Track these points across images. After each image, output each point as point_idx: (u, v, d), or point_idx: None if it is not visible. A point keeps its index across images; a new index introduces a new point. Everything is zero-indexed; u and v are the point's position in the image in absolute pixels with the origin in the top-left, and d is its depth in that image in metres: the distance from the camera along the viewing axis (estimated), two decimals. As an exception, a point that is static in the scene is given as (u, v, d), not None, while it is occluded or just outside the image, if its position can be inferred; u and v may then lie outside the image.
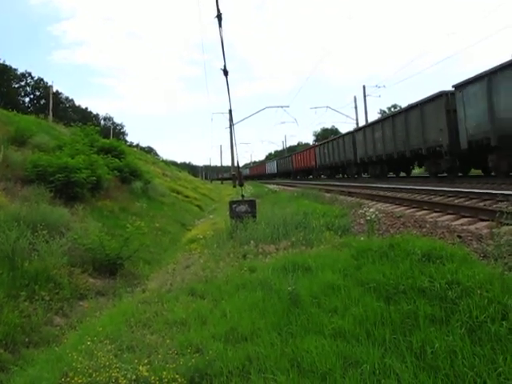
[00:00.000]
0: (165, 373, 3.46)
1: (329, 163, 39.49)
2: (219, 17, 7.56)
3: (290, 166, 59.49)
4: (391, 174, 27.72)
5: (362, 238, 7.00)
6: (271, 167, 77.98)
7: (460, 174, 19.39)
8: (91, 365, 3.77)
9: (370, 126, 28.63)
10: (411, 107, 22.04)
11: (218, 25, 7.57)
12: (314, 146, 48.38)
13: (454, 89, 17.63)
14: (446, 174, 19.62)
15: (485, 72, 15.24)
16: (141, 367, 3.58)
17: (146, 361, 3.80)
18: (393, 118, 24.47)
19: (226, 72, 7.97)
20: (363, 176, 31.43)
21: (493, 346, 3.04)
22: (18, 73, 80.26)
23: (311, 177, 48.79)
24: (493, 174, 16.22)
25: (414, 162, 24.98)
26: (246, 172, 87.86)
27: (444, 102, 18.46)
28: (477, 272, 4.03)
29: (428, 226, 7.70)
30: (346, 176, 36.53)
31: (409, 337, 3.41)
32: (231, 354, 3.69)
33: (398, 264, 4.74)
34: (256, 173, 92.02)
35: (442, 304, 3.71)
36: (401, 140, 22.71)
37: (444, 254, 4.69)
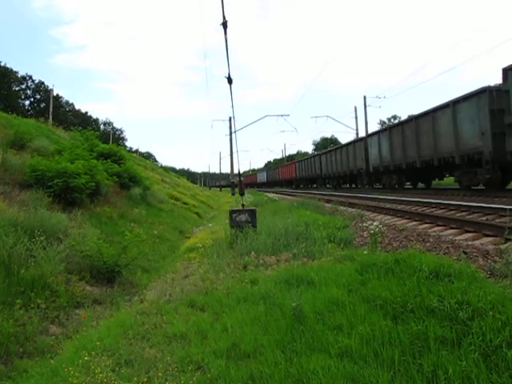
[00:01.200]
0: (165, 392, 3.34)
1: (304, 176, 51.03)
2: (224, 24, 7.48)
3: (277, 176, 70.76)
4: (346, 186, 39.81)
5: (365, 252, 6.88)
6: (262, 177, 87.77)
7: (380, 187, 29.95)
8: (88, 381, 3.65)
9: (330, 152, 40.56)
10: (350, 143, 34.96)
11: (223, 32, 7.49)
12: (294, 162, 60.45)
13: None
14: (367, 186, 31.21)
15: (377, 131, 29.36)
16: (140, 385, 3.46)
17: (145, 378, 3.68)
18: (341, 148, 36.81)
19: (230, 80, 7.88)
20: (327, 186, 42.76)
21: (511, 375, 2.91)
22: (19, 75, 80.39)
23: (294, 186, 58.21)
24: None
25: (353, 178, 36.21)
26: (235, 181, 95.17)
27: (364, 143, 30.37)
28: (488, 292, 3.91)
29: (432, 240, 7.59)
30: (316, 186, 47.19)
31: (419, 359, 3.28)
32: (234, 373, 3.57)
33: (404, 281, 4.61)
34: (249, 181, 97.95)
35: (452, 325, 3.58)
36: (345, 163, 34.96)
37: (452, 271, 4.56)
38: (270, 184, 77.19)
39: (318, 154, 46.00)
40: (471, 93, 16.83)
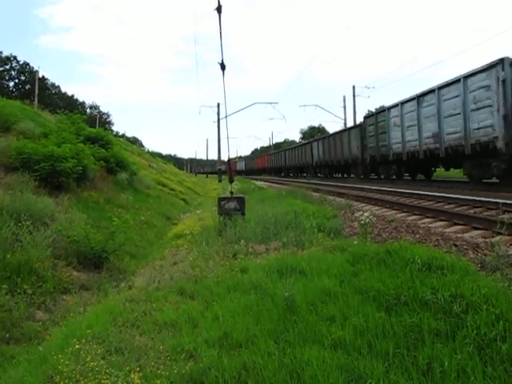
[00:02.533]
0: (158, 381, 3.29)
1: (274, 166, 62.55)
2: (219, 9, 7.35)
3: (253, 165, 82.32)
4: (303, 175, 47.80)
5: (355, 242, 6.90)
6: (241, 165, 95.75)
7: (321, 176, 38.30)
8: (78, 369, 3.58)
9: (291, 149, 52.23)
10: (302, 145, 47.37)
11: (217, 17, 7.37)
12: (267, 155, 73.00)
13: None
14: (314, 175, 39.95)
15: (317, 138, 41.82)
16: (132, 374, 3.40)
17: (136, 366, 3.63)
18: (297, 148, 48.06)
19: (223, 66, 7.76)
20: (290, 175, 53.17)
21: (506, 368, 2.92)
22: (3, 56, 78.67)
23: (267, 173, 68.05)
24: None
25: (305, 169, 45.41)
26: (222, 168, 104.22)
27: (310, 146, 40.91)
28: (481, 285, 3.92)
29: (421, 231, 7.63)
30: (282, 174, 56.98)
31: (413, 351, 3.29)
32: (226, 362, 3.53)
33: (397, 272, 4.62)
34: (227, 169, 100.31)
35: (446, 318, 3.59)
36: (300, 159, 45.29)
37: (445, 264, 4.58)
38: (247, 172, 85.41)
39: (283, 150, 59.34)
40: (356, 125, 30.43)
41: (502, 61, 13.36)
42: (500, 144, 13.49)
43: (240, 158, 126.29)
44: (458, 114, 15.75)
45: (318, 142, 38.56)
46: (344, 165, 31.34)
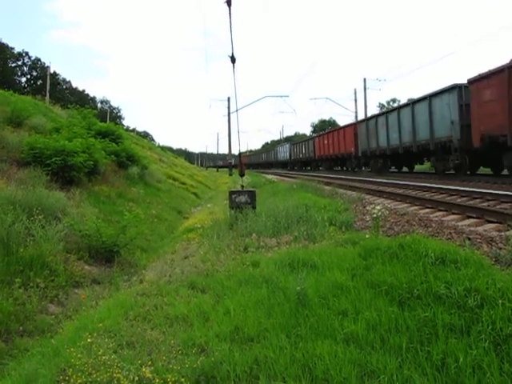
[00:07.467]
0: (169, 376, 3.27)
1: (252, 163, 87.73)
2: (229, 2, 7.29)
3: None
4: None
5: (367, 236, 6.84)
6: (232, 161, 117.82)
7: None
8: (90, 362, 3.58)
9: (254, 154, 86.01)
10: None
11: (227, 10, 7.32)
12: (249, 155, 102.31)
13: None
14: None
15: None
16: (144, 368, 3.40)
17: (147, 359, 3.63)
18: (257, 154, 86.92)
19: (233, 59, 7.71)
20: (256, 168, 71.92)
21: (524, 365, 2.87)
22: (15, 52, 79.21)
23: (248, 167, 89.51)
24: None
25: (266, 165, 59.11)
26: (220, 163, 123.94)
27: (265, 153, 72.92)
28: (496, 279, 3.85)
29: (434, 225, 7.54)
30: (251, 168, 73.72)
31: (427, 346, 3.24)
32: (238, 356, 3.51)
33: (410, 266, 4.56)
34: (226, 164, 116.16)
35: (461, 313, 3.53)
36: (258, 159, 78.50)
37: (458, 258, 4.51)
38: (235, 166, 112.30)
39: (253, 154, 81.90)
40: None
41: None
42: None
43: (250, 151, 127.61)
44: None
45: (263, 153, 67.55)
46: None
